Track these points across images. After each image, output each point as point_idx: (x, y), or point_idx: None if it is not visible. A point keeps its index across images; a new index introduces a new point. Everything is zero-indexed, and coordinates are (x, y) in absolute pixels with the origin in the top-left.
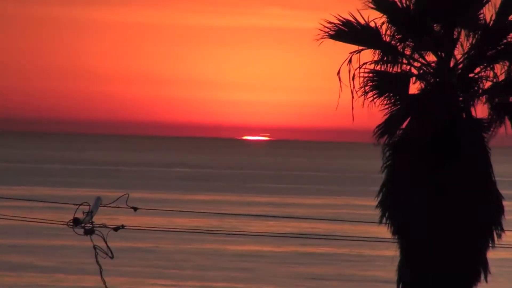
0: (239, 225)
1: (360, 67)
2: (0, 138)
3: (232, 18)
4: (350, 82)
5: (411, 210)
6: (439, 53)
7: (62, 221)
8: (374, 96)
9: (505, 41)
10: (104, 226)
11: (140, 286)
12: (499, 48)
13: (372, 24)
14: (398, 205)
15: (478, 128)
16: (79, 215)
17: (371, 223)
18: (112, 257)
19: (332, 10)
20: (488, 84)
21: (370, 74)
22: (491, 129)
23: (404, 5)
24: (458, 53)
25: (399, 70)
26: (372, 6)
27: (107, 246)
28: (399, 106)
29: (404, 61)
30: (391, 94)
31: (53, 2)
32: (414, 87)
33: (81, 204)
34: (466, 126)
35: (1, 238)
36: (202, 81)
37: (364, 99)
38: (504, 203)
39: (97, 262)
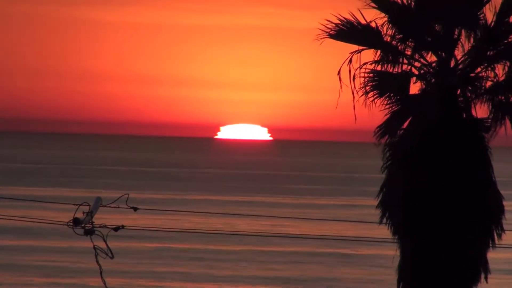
0: (239, 225)
1: (360, 67)
2: (0, 138)
3: (226, 17)
4: (350, 82)
5: (411, 210)
6: (439, 53)
7: (62, 221)
8: (375, 96)
9: (505, 41)
10: (104, 226)
11: (140, 286)
12: (500, 48)
13: (372, 24)
14: (398, 205)
15: (478, 128)
16: (79, 215)
17: (371, 223)
18: (112, 257)
19: (327, 10)
20: (488, 84)
21: (371, 74)
22: (492, 129)
23: (405, 4)
24: (458, 53)
25: (399, 70)
26: (373, 5)
27: (107, 246)
28: (399, 106)
29: (405, 61)
30: (391, 94)
31: (55, 2)
32: (415, 87)
33: (81, 204)
34: (467, 126)
35: (1, 238)
36: (196, 80)
37: (365, 99)
38: (504, 203)
39: (97, 262)
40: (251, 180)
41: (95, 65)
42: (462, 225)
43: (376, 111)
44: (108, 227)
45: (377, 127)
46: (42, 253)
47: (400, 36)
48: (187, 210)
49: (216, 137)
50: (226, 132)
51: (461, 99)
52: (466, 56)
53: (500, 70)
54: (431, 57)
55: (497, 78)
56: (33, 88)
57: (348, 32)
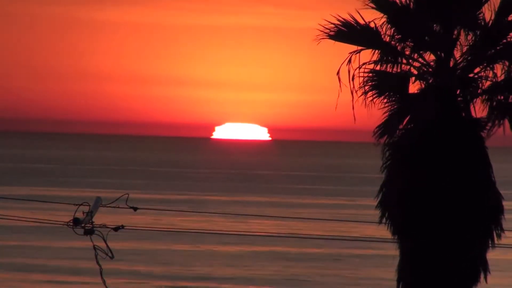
0: (239, 225)
1: (359, 67)
2: (0, 138)
3: (225, 17)
4: (349, 82)
5: (411, 210)
6: (438, 53)
7: (62, 221)
8: (374, 96)
9: (504, 40)
10: (104, 226)
11: (140, 286)
12: (499, 48)
13: (371, 24)
14: (398, 205)
15: (477, 127)
16: (79, 215)
17: (371, 223)
18: (112, 257)
19: (326, 10)
20: (487, 84)
21: (370, 74)
22: (490, 128)
23: (404, 4)
24: (457, 53)
25: (398, 70)
26: (371, 6)
27: (107, 246)
28: (398, 106)
29: (404, 61)
30: (390, 94)
31: (55, 2)
32: (414, 87)
33: (81, 204)
34: (466, 126)
35: (2, 239)
36: (196, 80)
37: (364, 99)
38: (504, 203)
39: (97, 262)
40: (250, 180)
41: (95, 65)
42: (461, 225)
43: (375, 111)
44: (108, 227)
45: (376, 127)
46: (42, 253)
47: (399, 36)
48: (187, 210)
49: (212, 137)
50: (224, 132)
51: (460, 99)
52: (465, 56)
53: (499, 70)
54: (430, 57)
55: (496, 78)
56: (33, 88)
57: (347, 32)
